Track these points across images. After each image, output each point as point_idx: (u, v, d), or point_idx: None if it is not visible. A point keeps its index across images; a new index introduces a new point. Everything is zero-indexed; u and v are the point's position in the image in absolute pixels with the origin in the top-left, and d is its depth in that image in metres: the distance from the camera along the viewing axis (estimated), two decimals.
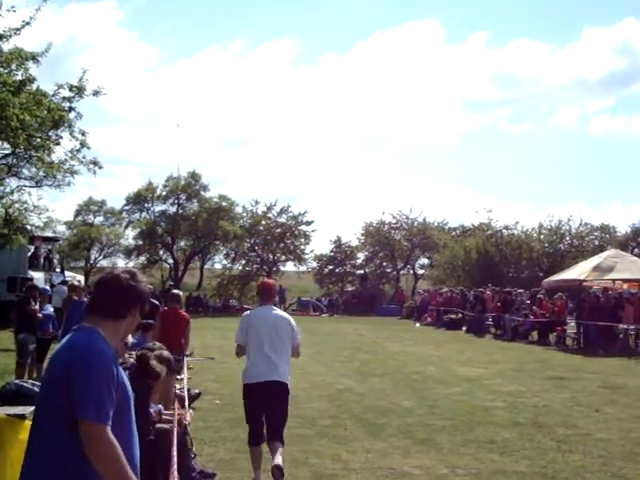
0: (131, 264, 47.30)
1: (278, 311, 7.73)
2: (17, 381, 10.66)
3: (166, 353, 7.25)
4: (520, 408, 11.82)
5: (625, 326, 21.76)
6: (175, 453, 5.98)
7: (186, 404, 8.35)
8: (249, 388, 7.38)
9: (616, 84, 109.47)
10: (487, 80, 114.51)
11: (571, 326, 24.94)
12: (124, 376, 3.22)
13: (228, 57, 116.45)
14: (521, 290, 30.13)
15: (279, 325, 7.43)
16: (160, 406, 7.24)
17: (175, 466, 5.63)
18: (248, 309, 41.68)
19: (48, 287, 22.75)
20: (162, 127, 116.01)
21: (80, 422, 2.96)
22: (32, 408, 7.92)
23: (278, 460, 6.94)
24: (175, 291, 12.65)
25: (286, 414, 7.45)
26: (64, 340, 3.29)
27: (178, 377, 10.43)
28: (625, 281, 25.38)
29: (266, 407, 7.34)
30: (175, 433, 6.58)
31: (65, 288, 19.71)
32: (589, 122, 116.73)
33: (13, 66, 16.64)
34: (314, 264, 53.41)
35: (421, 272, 57.45)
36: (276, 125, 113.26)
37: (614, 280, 24.83)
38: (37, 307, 13.70)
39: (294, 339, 7.50)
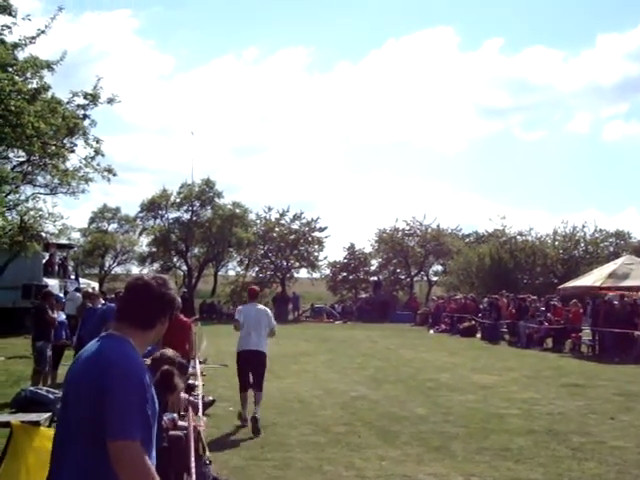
0: (145, 271, 47.36)
1: (259, 306, 11.31)
2: (32, 388, 10.74)
3: (178, 358, 7.37)
4: (535, 416, 11.76)
5: None
6: (193, 460, 6.00)
7: (200, 411, 8.35)
8: (239, 354, 10.90)
9: (630, 90, 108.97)
10: (501, 87, 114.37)
11: (586, 333, 24.80)
12: (153, 389, 3.14)
13: (242, 65, 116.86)
14: (535, 297, 29.94)
15: (259, 315, 10.95)
16: (175, 415, 7.26)
17: (194, 476, 5.64)
18: None
19: (62, 294, 22.85)
20: (176, 135, 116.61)
21: (113, 440, 2.86)
22: (47, 415, 7.96)
23: (256, 411, 10.38)
24: None
25: (264, 371, 10.90)
26: (91, 348, 3.15)
27: (196, 383, 10.47)
28: None
29: (250, 367, 10.81)
30: (192, 440, 6.60)
31: (79, 295, 19.76)
32: (603, 128, 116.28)
33: (28, 74, 16.74)
34: (327, 271, 53.34)
35: (435, 279, 57.27)
36: (290, 132, 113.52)
37: (629, 288, 24.53)
38: (55, 315, 13.78)
39: (270, 324, 10.98)
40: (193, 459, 6.06)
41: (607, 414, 11.90)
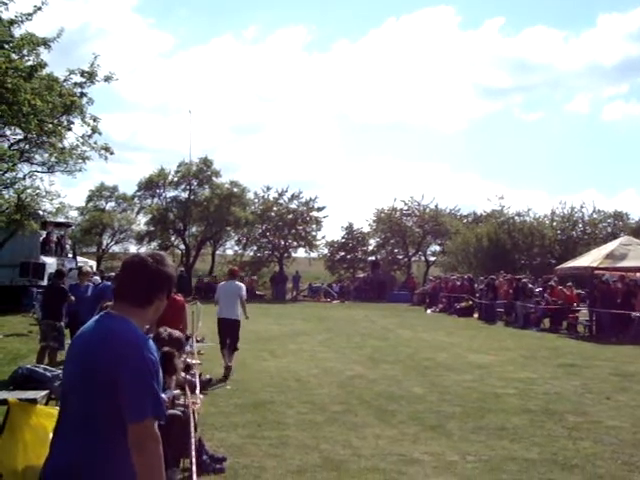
0: (143, 250, 47.23)
1: (236, 282, 14.00)
2: (29, 365, 10.76)
3: (177, 333, 7.40)
4: (531, 395, 11.81)
5: (638, 314, 21.65)
6: (193, 438, 6.02)
7: (197, 390, 8.36)
8: (219, 320, 13.72)
9: (630, 70, 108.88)
10: (501, 66, 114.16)
11: (583, 313, 24.85)
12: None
13: (241, 44, 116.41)
14: (528, 278, 29.96)
15: (234, 290, 13.66)
16: (174, 392, 7.26)
17: (194, 453, 5.65)
18: (261, 295, 41.53)
19: None
20: (175, 113, 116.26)
21: (137, 421, 2.87)
22: (44, 392, 7.98)
23: (229, 362, 13.15)
24: None
25: (237, 334, 13.58)
26: (92, 327, 3.12)
27: (193, 362, 10.50)
28: (638, 270, 25.11)
29: (226, 330, 13.55)
30: (191, 418, 6.62)
31: None
32: (603, 109, 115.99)
33: (25, 51, 16.64)
34: (325, 250, 53.38)
35: (433, 259, 57.32)
36: (289, 112, 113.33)
37: (627, 269, 24.47)
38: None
39: (241, 296, 13.65)
40: (193, 439, 6.07)
41: (603, 394, 11.95)
